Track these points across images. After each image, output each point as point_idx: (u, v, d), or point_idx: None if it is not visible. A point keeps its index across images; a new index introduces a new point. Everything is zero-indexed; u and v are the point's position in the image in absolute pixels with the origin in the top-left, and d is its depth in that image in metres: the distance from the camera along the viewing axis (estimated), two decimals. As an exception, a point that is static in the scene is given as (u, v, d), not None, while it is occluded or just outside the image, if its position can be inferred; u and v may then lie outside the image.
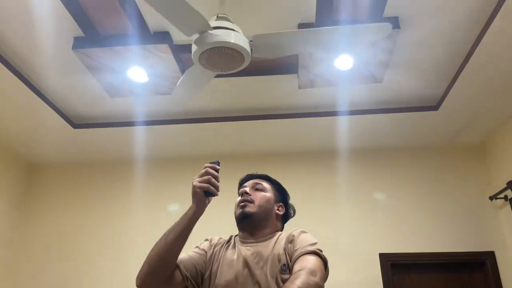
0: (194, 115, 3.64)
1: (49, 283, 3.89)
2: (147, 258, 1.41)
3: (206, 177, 1.40)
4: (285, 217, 1.69)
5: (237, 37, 1.97)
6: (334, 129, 3.76)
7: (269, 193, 1.64)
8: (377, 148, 4.14)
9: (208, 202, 1.44)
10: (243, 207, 1.56)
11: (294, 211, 1.73)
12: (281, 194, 1.70)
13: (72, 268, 3.94)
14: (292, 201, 4.21)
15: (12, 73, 2.95)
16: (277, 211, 1.63)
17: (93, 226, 4.11)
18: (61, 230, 4.12)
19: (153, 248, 1.42)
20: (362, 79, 3.09)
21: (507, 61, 2.86)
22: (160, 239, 1.42)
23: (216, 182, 1.42)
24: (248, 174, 1.73)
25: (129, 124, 3.66)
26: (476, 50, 2.74)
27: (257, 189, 1.63)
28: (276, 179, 1.74)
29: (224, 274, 1.45)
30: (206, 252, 1.55)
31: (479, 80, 3.07)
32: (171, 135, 3.85)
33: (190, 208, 1.42)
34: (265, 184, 1.66)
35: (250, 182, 1.67)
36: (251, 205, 1.56)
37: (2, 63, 2.86)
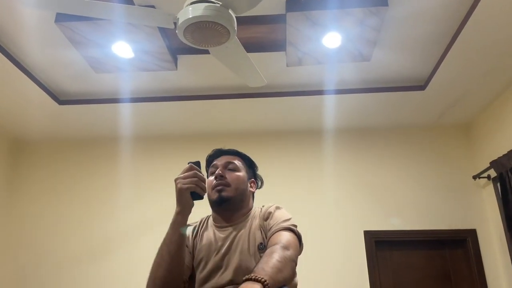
0: (181, 93, 3.60)
1: (37, 258, 3.91)
2: (156, 279, 1.31)
3: (193, 179, 1.32)
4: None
5: (220, 11, 1.94)
6: (322, 108, 3.76)
7: (242, 172, 1.60)
8: (364, 127, 4.17)
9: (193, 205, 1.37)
10: (220, 191, 1.50)
11: (262, 181, 1.71)
12: (251, 169, 1.67)
13: (59, 243, 3.95)
14: (278, 179, 4.26)
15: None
16: (250, 189, 1.62)
17: (79, 202, 4.10)
18: (47, 205, 4.11)
19: (157, 268, 1.32)
20: (350, 57, 3.08)
21: (494, 42, 2.87)
22: (161, 256, 1.33)
23: (203, 183, 1.35)
24: (216, 149, 1.67)
25: (115, 101, 3.62)
26: (463, 30, 2.74)
27: (229, 169, 1.57)
28: (244, 153, 1.68)
29: (204, 263, 1.45)
30: (188, 246, 1.52)
31: (466, 60, 3.08)
32: (157, 112, 3.82)
33: (177, 213, 1.34)
34: (237, 162, 1.61)
35: (222, 161, 1.60)
36: (228, 188, 1.51)
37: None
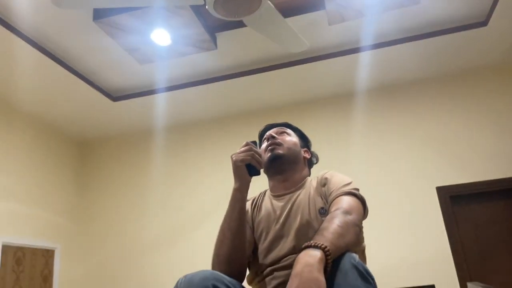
0: (223, 72, 3.56)
1: (109, 255, 4.16)
2: (219, 256, 1.31)
3: (248, 152, 1.32)
4: (309, 164, 1.64)
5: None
6: (374, 63, 3.54)
7: (294, 137, 1.59)
8: (424, 78, 3.90)
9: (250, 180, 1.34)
10: (272, 150, 1.50)
11: (317, 158, 1.68)
12: (304, 140, 1.65)
13: (127, 233, 4.17)
14: (343, 140, 4.13)
15: (53, 61, 3.08)
16: (305, 155, 1.59)
17: (145, 194, 4.27)
18: (117, 200, 4.33)
19: (220, 246, 1.32)
20: (397, 3, 2.84)
21: None
22: (222, 233, 1.32)
23: (259, 158, 1.33)
24: (267, 124, 1.67)
25: (163, 90, 3.68)
26: None
27: (282, 134, 1.58)
28: (298, 127, 1.67)
29: (265, 234, 1.42)
30: (248, 221, 1.50)
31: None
32: (203, 96, 3.84)
33: (235, 189, 1.33)
34: (289, 131, 1.61)
35: (274, 129, 1.61)
36: (280, 147, 1.50)
37: (42, 53, 2.98)
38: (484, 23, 3.17)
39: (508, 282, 3.38)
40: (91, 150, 4.58)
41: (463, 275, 3.38)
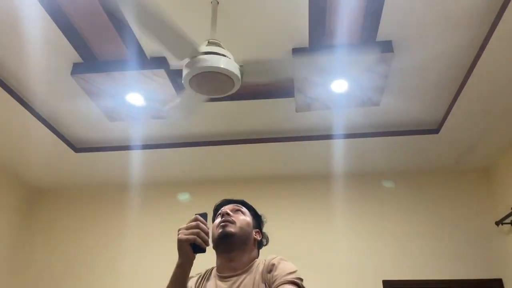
0: (191, 139, 3.64)
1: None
2: None
3: (194, 230, 1.30)
4: (259, 245, 1.65)
5: (226, 63, 2.00)
6: (332, 152, 3.71)
7: (248, 217, 1.60)
8: (377, 172, 4.08)
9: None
10: (223, 226, 1.49)
11: (267, 239, 1.68)
12: (257, 220, 1.66)
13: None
14: (289, 226, 4.14)
15: (14, 99, 3.02)
16: (255, 237, 1.60)
17: (91, 251, 4.09)
18: (60, 254, 4.10)
19: None
20: (359, 102, 3.08)
21: (505, 83, 2.83)
22: None
23: (205, 236, 1.32)
24: (223, 199, 1.68)
25: (129, 148, 3.68)
26: (473, 73, 2.72)
27: (237, 212, 1.59)
28: (252, 205, 1.69)
29: None
30: None
31: (479, 103, 3.04)
32: (168, 159, 3.86)
33: (177, 266, 1.32)
34: (244, 210, 1.62)
35: (229, 205, 1.62)
36: (232, 225, 1.50)
37: (4, 89, 2.93)
38: (436, 130, 3.45)
39: None
40: (43, 198, 4.40)
41: None
